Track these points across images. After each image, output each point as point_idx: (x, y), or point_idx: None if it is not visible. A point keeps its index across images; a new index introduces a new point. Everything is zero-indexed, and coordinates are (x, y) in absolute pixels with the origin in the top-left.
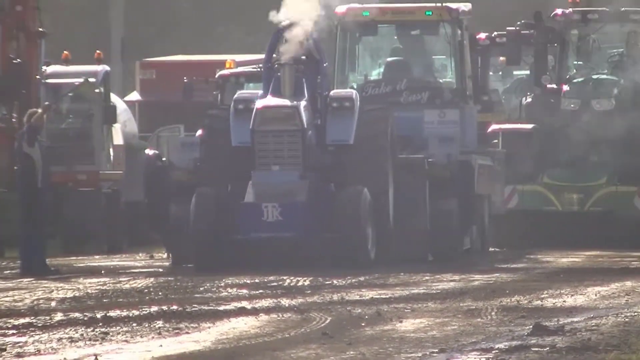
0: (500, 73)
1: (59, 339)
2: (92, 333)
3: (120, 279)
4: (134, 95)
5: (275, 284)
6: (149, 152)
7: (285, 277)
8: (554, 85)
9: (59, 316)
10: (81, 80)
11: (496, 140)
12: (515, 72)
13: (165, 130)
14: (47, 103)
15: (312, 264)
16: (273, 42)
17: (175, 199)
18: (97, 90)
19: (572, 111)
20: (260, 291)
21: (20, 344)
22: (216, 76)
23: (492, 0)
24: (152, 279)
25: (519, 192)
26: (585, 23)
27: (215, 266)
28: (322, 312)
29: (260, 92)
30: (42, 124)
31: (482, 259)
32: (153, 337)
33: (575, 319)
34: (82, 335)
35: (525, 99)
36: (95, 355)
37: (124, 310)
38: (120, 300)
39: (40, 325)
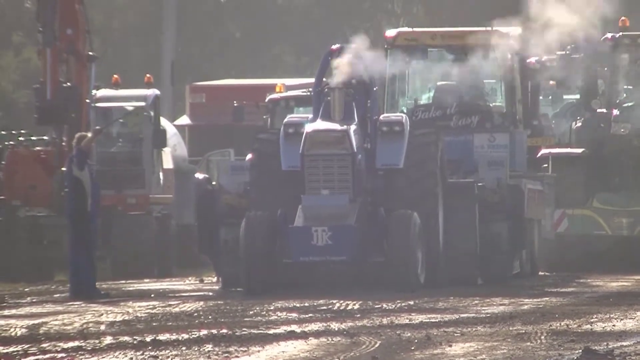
0: (550, 97)
1: None
2: (142, 357)
3: (170, 303)
4: (184, 119)
5: (324, 307)
6: (199, 176)
7: (334, 301)
8: (604, 110)
9: (108, 340)
10: (132, 107)
11: (546, 165)
12: (565, 97)
13: (215, 154)
14: (97, 127)
15: (362, 287)
16: (323, 66)
17: (225, 222)
18: (145, 114)
19: (622, 135)
20: (310, 315)
21: None
22: (266, 100)
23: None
24: (201, 303)
25: (569, 216)
26: (636, 47)
27: (265, 290)
28: (372, 336)
29: (310, 116)
30: (92, 148)
31: (532, 283)
32: None
33: (624, 343)
34: (131, 359)
35: (575, 123)
36: None
37: (174, 334)
38: (170, 323)
39: (89, 349)
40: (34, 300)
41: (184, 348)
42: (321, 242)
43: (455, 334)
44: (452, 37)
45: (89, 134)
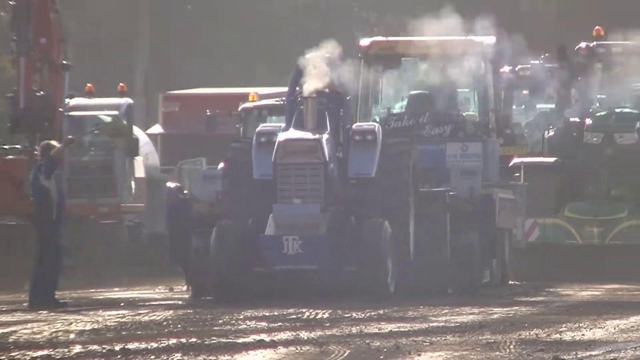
0: (523, 106)
1: None
2: None
3: (140, 312)
4: (157, 128)
5: (294, 316)
6: (171, 184)
7: (304, 310)
8: (577, 119)
9: (77, 348)
10: (108, 116)
11: (518, 174)
12: (538, 106)
13: (187, 163)
14: (70, 137)
15: (333, 296)
16: (296, 75)
17: (196, 231)
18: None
19: (594, 144)
20: (279, 324)
21: None
22: (239, 109)
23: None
24: (171, 312)
25: (540, 226)
26: (609, 56)
27: (236, 299)
28: (341, 345)
29: (283, 125)
30: (63, 158)
31: (502, 292)
32: None
33: (593, 353)
34: None
35: (548, 132)
36: None
37: (143, 343)
38: (139, 332)
39: (59, 357)
40: (3, 309)
41: (153, 357)
42: (292, 250)
43: (425, 343)
44: (426, 46)
45: (55, 143)
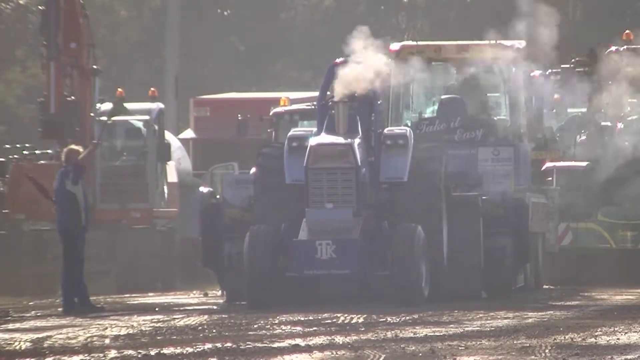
0: (555, 110)
1: None
2: None
3: (174, 316)
4: (188, 133)
5: (329, 321)
6: (203, 189)
7: (339, 315)
8: (609, 123)
9: (112, 354)
10: (140, 124)
11: (550, 178)
12: (569, 110)
13: (219, 167)
14: (94, 141)
15: (366, 301)
16: (327, 80)
17: (229, 236)
18: (150, 127)
19: (626, 149)
20: (314, 328)
21: None
22: (270, 114)
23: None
24: (206, 316)
25: (573, 230)
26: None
27: (269, 303)
28: (376, 350)
29: (314, 129)
30: (89, 163)
31: (536, 297)
32: None
33: (629, 357)
34: None
35: (580, 137)
36: None
37: (178, 348)
38: (174, 337)
39: None
40: (38, 314)
41: None
42: (325, 255)
43: (460, 348)
44: (456, 51)
45: (77, 147)
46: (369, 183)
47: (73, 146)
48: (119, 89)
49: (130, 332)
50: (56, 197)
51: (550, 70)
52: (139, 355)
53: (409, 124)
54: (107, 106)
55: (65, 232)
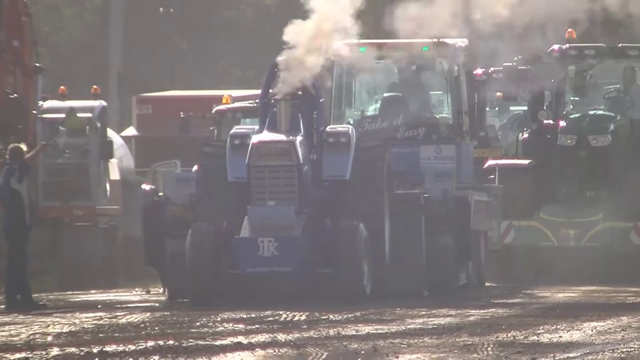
0: (497, 109)
1: None
2: None
3: (117, 314)
4: (131, 131)
5: (271, 318)
6: (146, 187)
7: (281, 312)
8: (551, 121)
9: (55, 351)
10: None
11: (493, 176)
12: (512, 108)
13: (161, 165)
14: (43, 142)
15: (308, 298)
16: (269, 78)
17: (171, 234)
18: (93, 125)
19: (568, 147)
20: (257, 326)
21: None
22: (213, 111)
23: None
24: (148, 314)
25: (516, 228)
26: (582, 59)
27: (212, 301)
28: (319, 347)
29: (257, 127)
30: (35, 163)
31: (479, 294)
32: None
33: (571, 355)
34: None
35: (522, 135)
36: None
37: (120, 345)
38: (117, 335)
39: None
40: None
41: (130, 359)
42: (267, 253)
43: (402, 345)
44: (399, 49)
45: (24, 146)
46: (311, 181)
47: (20, 144)
48: (61, 87)
49: (73, 329)
50: (1, 195)
51: (492, 69)
52: (82, 353)
53: (352, 122)
54: (55, 108)
55: (10, 230)
